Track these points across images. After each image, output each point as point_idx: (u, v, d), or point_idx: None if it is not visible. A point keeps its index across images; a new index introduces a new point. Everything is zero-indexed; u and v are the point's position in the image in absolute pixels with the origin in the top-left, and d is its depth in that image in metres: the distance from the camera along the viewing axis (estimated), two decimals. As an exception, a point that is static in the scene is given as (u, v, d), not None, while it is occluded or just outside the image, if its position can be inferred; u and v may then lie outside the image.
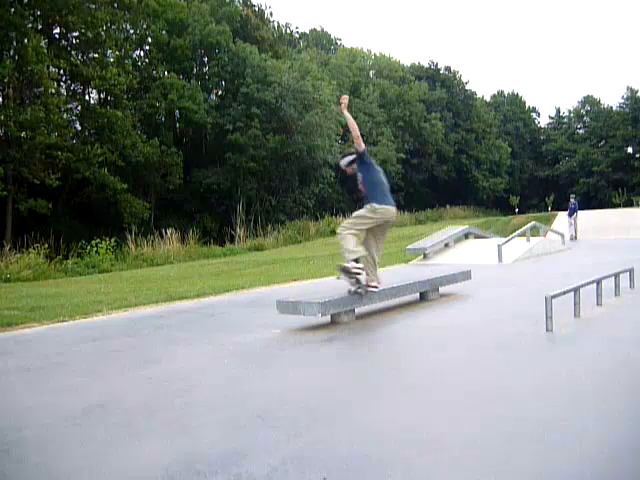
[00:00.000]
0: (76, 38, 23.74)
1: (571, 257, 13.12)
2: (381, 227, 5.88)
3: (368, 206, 5.69)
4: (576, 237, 18.62)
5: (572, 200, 19.78)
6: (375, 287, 5.86)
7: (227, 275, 11.97)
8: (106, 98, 25.26)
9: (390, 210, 5.75)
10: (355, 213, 5.86)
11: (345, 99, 5.86)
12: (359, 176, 5.88)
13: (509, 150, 49.08)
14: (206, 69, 30.63)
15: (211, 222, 27.28)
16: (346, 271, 5.51)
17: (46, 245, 15.87)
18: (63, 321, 6.67)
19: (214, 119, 27.39)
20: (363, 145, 5.78)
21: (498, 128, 50.71)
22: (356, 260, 5.51)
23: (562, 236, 16.67)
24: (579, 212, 19.78)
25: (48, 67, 20.50)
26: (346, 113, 5.79)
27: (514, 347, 4.59)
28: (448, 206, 38.85)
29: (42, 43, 20.66)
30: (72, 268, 15.19)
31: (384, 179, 5.92)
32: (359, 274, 5.55)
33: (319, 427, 3.01)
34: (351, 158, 5.92)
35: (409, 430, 2.92)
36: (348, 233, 5.60)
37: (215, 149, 29.02)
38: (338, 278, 5.53)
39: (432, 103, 42.91)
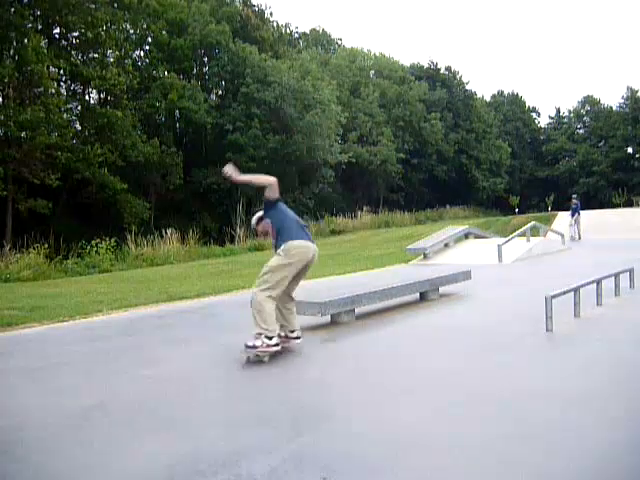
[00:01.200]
0: (76, 38, 23.73)
1: (571, 257, 13.11)
2: (301, 272, 4.69)
3: (280, 251, 4.50)
4: (579, 237, 18.52)
5: (574, 200, 19.68)
6: (297, 338, 4.77)
7: (227, 275, 11.96)
8: (106, 98, 25.25)
9: (310, 247, 4.61)
10: (269, 264, 4.50)
11: (229, 169, 4.53)
12: (267, 223, 4.73)
13: (509, 150, 49.08)
14: (206, 69, 30.64)
15: (211, 222, 27.27)
16: (254, 348, 4.35)
17: (46, 245, 15.86)
18: (63, 321, 6.67)
19: (214, 119, 27.39)
20: (277, 194, 4.68)
21: (498, 128, 50.72)
22: (267, 336, 4.35)
23: (562, 236, 16.66)
24: (581, 212, 19.72)
25: (48, 67, 20.49)
26: (241, 178, 4.71)
27: (514, 347, 4.59)
28: (448, 206, 38.85)
29: (42, 43, 20.66)
30: (72, 268, 15.18)
31: (296, 217, 4.80)
32: (269, 352, 4.42)
33: (319, 427, 3.01)
34: (259, 215, 4.85)
35: (409, 430, 2.92)
36: (267, 298, 4.38)
37: (215, 149, 29.01)
38: (249, 359, 4.40)
39: (432, 103, 42.90)
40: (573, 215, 19.07)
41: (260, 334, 4.36)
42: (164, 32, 27.42)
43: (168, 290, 9.11)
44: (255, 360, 4.36)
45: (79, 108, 24.16)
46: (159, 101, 25.62)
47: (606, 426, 2.87)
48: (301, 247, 4.54)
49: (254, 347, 4.36)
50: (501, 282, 9.01)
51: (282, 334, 4.66)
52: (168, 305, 7.73)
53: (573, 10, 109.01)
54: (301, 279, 4.82)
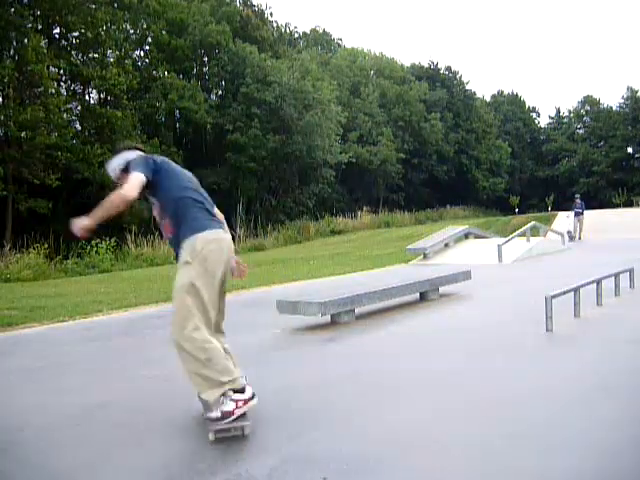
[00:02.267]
0: (76, 38, 23.73)
1: (571, 257, 13.11)
2: (224, 284, 3.13)
3: (185, 253, 2.93)
4: (580, 237, 18.45)
5: (578, 200, 19.57)
6: (242, 390, 2.93)
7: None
8: (106, 98, 25.24)
9: (224, 239, 3.05)
10: (179, 285, 2.96)
11: (74, 226, 2.92)
12: (151, 200, 3.13)
13: (509, 150, 49.05)
14: (206, 69, 30.63)
15: (211, 222, 27.26)
16: (224, 418, 2.82)
17: (46, 245, 15.85)
18: (63, 321, 6.67)
19: (214, 119, 27.39)
20: (135, 191, 2.90)
21: (498, 128, 50.68)
22: (235, 389, 2.87)
23: (562, 236, 16.66)
24: (585, 212, 19.65)
25: (48, 67, 20.49)
26: (92, 219, 2.90)
27: (514, 347, 4.59)
28: (448, 206, 38.83)
29: (42, 43, 20.66)
30: (72, 268, 15.18)
31: (202, 190, 3.29)
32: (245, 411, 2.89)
33: (319, 427, 3.01)
34: (121, 162, 3.12)
35: (409, 430, 2.92)
36: (199, 334, 2.88)
37: (215, 149, 29.03)
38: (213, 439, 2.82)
39: (432, 103, 42.87)
40: (577, 216, 18.95)
41: (221, 394, 2.83)
42: (164, 32, 27.42)
43: (168, 290, 9.09)
44: (231, 435, 2.82)
45: (79, 108, 24.14)
46: (159, 101, 25.63)
47: (606, 426, 2.87)
48: (212, 243, 2.95)
49: (224, 416, 2.82)
50: (501, 282, 9.01)
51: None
52: (168, 305, 7.72)
53: (573, 10, 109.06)
54: (224, 291, 3.17)
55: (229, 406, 2.84)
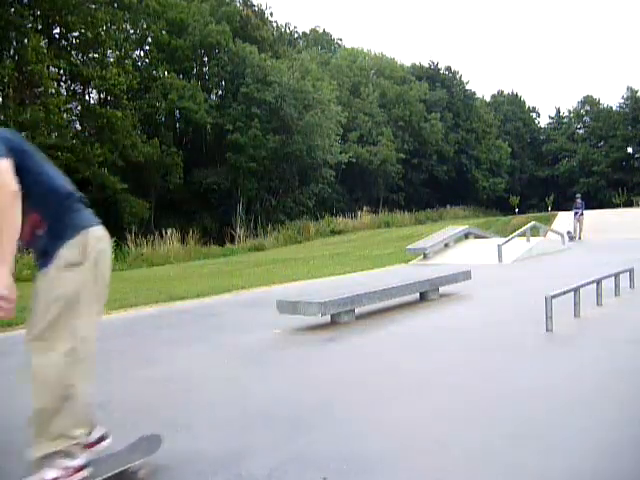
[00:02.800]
0: (76, 38, 23.75)
1: (571, 257, 13.11)
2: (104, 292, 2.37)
3: (69, 253, 2.19)
4: (580, 237, 18.40)
5: (578, 200, 19.50)
6: (103, 439, 2.47)
7: (227, 275, 11.96)
8: (106, 98, 25.25)
9: (102, 235, 2.33)
10: (53, 295, 2.24)
11: None
12: None
13: (509, 150, 49.04)
14: (206, 69, 30.64)
15: (211, 222, 27.28)
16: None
17: (46, 245, 15.85)
18: (63, 321, 6.66)
19: (214, 119, 27.39)
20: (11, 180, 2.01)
21: (498, 128, 50.67)
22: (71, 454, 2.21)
23: (562, 236, 16.66)
24: (585, 212, 19.59)
25: (48, 67, 20.51)
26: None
27: (514, 347, 4.58)
28: (448, 206, 38.82)
29: (42, 43, 20.67)
30: (72, 268, 15.16)
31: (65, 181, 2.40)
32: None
33: (319, 427, 3.01)
34: None
35: (409, 430, 2.92)
36: (71, 360, 2.26)
37: (215, 149, 29.03)
38: None
39: (432, 103, 42.87)
40: (576, 215, 18.91)
41: (56, 451, 2.18)
42: (164, 32, 27.43)
43: (168, 290, 9.11)
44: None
45: (79, 108, 24.17)
46: (159, 101, 25.63)
47: (606, 426, 2.87)
48: (100, 241, 2.31)
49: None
50: (501, 282, 9.01)
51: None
52: (168, 305, 7.73)
53: (573, 10, 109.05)
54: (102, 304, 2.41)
55: (53, 472, 2.16)
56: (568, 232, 17.77)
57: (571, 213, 19.85)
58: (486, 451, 2.61)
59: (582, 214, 18.94)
